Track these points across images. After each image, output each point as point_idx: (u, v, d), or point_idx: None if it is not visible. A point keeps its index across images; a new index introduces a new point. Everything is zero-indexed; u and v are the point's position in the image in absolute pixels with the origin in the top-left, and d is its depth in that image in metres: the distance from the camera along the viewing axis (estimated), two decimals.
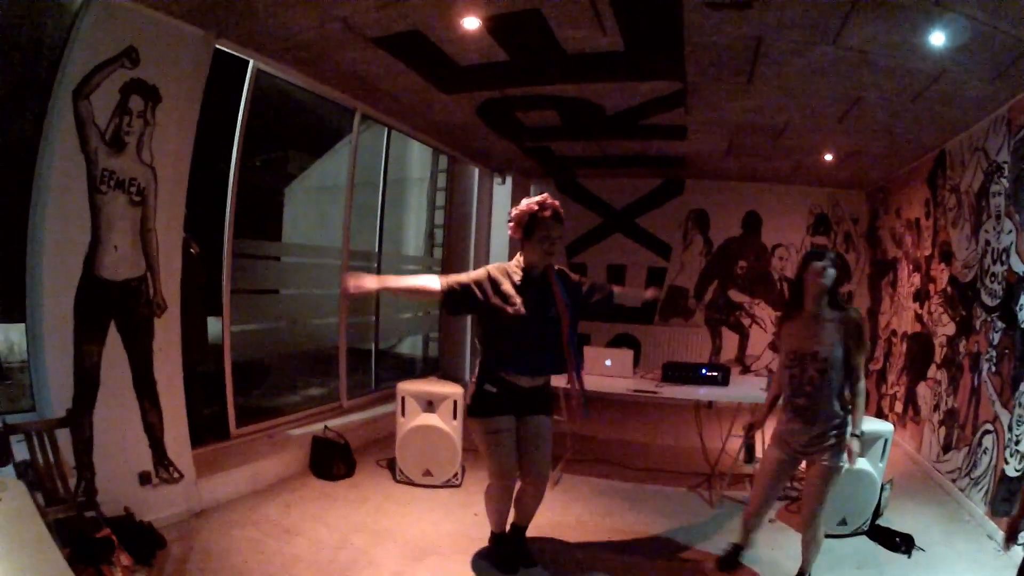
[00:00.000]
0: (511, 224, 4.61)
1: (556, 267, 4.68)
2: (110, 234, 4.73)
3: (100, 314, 4.75)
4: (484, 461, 4.74)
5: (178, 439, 5.40)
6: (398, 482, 6.70)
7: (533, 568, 4.93)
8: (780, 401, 4.77)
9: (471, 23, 5.29)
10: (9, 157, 5.08)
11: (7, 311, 4.79)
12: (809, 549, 4.66)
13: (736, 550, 5.11)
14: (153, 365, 5.15)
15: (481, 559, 4.95)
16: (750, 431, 5.17)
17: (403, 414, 6.66)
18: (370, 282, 4.47)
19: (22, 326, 4.73)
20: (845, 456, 4.33)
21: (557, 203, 4.53)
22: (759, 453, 5.18)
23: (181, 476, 5.38)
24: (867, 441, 5.35)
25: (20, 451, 4.12)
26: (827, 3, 4.65)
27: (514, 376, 4.55)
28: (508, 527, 5.01)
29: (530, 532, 5.22)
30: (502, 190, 11.53)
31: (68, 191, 4.49)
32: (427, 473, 6.57)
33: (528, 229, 4.50)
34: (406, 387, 6.70)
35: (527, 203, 4.54)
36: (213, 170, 6.40)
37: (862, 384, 4.34)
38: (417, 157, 10.87)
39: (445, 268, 10.98)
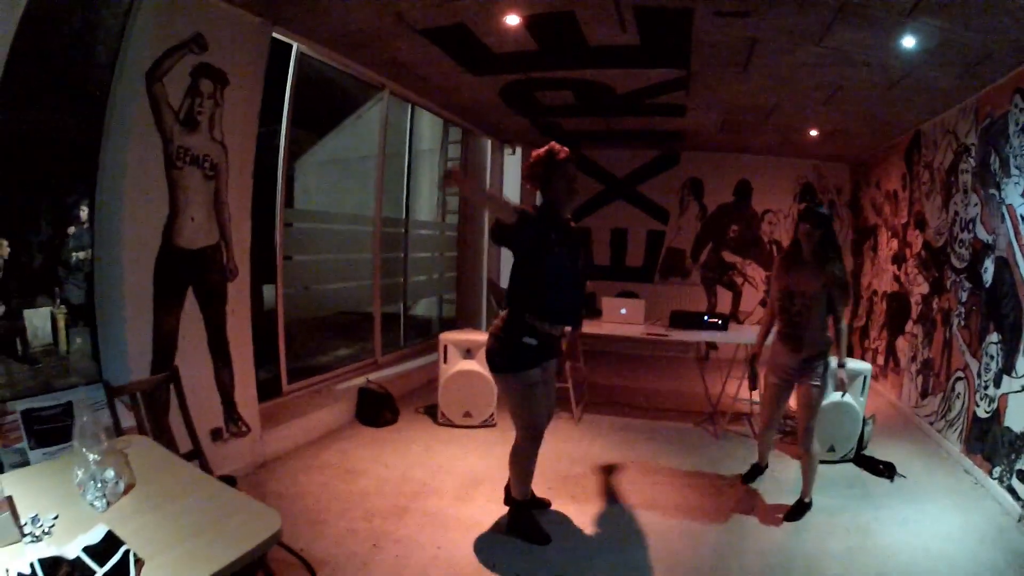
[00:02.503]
0: (528, 176, 4.49)
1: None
2: (187, 206, 4.84)
3: (179, 281, 4.86)
4: (516, 418, 4.58)
5: (247, 395, 5.55)
6: (440, 424, 7.03)
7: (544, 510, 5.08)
8: (772, 335, 5.32)
9: (512, 19, 5.51)
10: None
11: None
12: (809, 468, 5.14)
13: (755, 468, 5.83)
14: (226, 327, 5.29)
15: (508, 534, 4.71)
16: (752, 361, 5.48)
17: (445, 361, 6.97)
18: (471, 183, 4.50)
19: (46, 311, 4.81)
20: (828, 379, 4.93)
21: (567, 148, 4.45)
22: (761, 380, 5.48)
23: (249, 430, 5.55)
24: (849, 377, 5.68)
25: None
26: (813, 14, 5.00)
27: (549, 327, 4.40)
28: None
29: (561, 463, 5.77)
30: (512, 160, 11.67)
31: (145, 167, 4.55)
32: (467, 415, 6.86)
33: (547, 175, 4.40)
34: (448, 337, 6.99)
35: (539, 152, 4.45)
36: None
37: (844, 324, 4.90)
38: (428, 129, 10.95)
39: (459, 234, 11.15)
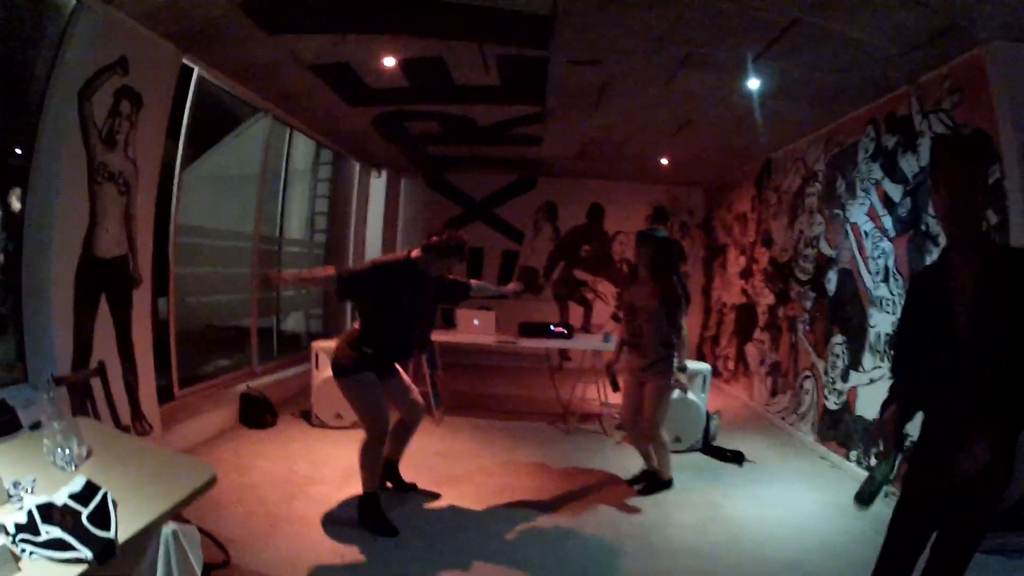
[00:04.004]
0: (436, 240, 4.97)
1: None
2: (103, 218, 5.17)
3: (95, 287, 5.18)
4: (362, 418, 5.05)
5: (149, 396, 5.87)
6: (314, 426, 7.51)
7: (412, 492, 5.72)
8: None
9: (389, 61, 6.23)
10: None
11: None
12: (659, 453, 5.96)
13: (645, 473, 6.18)
14: (131, 331, 5.61)
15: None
16: (609, 367, 6.18)
17: (317, 367, 7.47)
18: (287, 275, 5.22)
19: None
20: (671, 377, 5.61)
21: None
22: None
23: (151, 428, 5.87)
24: (690, 376, 6.78)
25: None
26: (659, 61, 5.80)
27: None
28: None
29: (426, 457, 6.50)
30: (378, 183, 12.28)
31: (73, 180, 4.87)
32: (338, 416, 7.36)
33: (448, 253, 5.00)
34: (320, 345, 7.51)
35: (457, 236, 5.06)
36: None
37: (683, 332, 5.59)
38: (302, 151, 11.26)
39: (328, 250, 11.56)
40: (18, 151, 5.10)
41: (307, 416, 7.71)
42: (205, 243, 8.18)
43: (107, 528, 2.31)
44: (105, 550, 2.22)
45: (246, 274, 8.64)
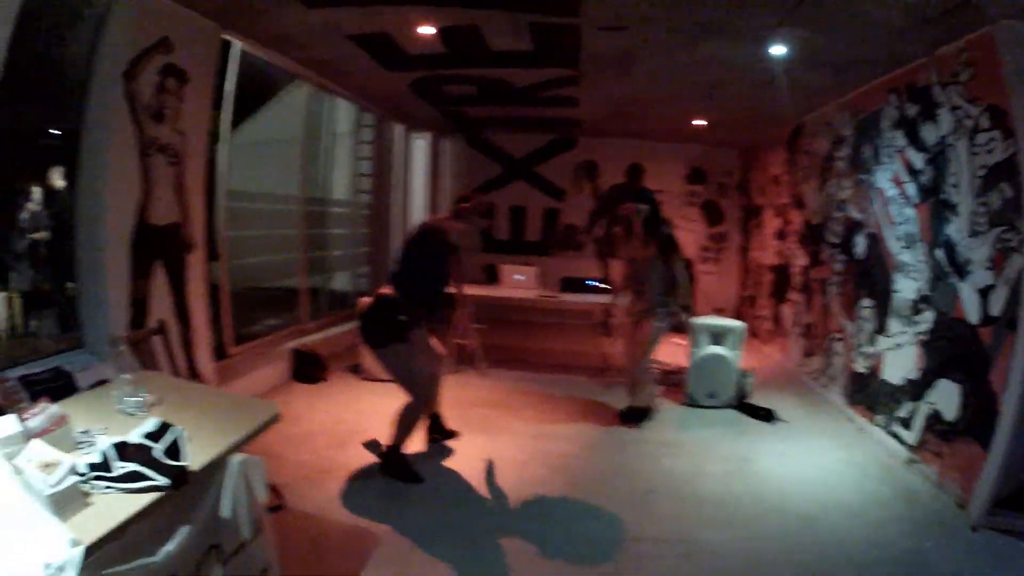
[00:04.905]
0: (466, 205, 5.45)
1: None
2: (155, 188, 5.48)
3: (150, 253, 5.50)
4: (405, 383, 5.28)
5: (204, 354, 6.22)
6: (363, 379, 7.90)
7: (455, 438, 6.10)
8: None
9: (427, 30, 6.38)
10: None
11: None
12: (642, 383, 6.64)
13: (632, 410, 6.77)
14: (187, 293, 5.96)
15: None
16: (606, 315, 7.07)
17: None
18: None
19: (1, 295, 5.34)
20: (666, 320, 6.39)
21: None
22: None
23: (208, 384, 6.19)
24: (723, 332, 7.14)
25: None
26: (682, 30, 5.87)
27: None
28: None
29: (470, 405, 6.94)
30: (420, 144, 12.44)
31: (123, 156, 5.16)
32: None
33: (481, 216, 5.48)
34: (367, 301, 7.60)
35: (485, 200, 5.56)
36: None
37: (681, 277, 6.42)
38: (344, 114, 11.43)
39: (372, 211, 11.84)
40: (55, 132, 5.46)
41: (356, 370, 8.11)
42: (252, 207, 8.50)
43: (180, 459, 2.61)
44: (179, 477, 2.52)
45: (293, 235, 8.98)
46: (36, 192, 5.97)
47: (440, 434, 6.01)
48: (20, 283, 5.78)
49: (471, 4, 5.75)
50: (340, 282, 11.61)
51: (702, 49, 6.36)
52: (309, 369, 7.85)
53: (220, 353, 7.01)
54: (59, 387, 4.21)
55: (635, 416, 6.45)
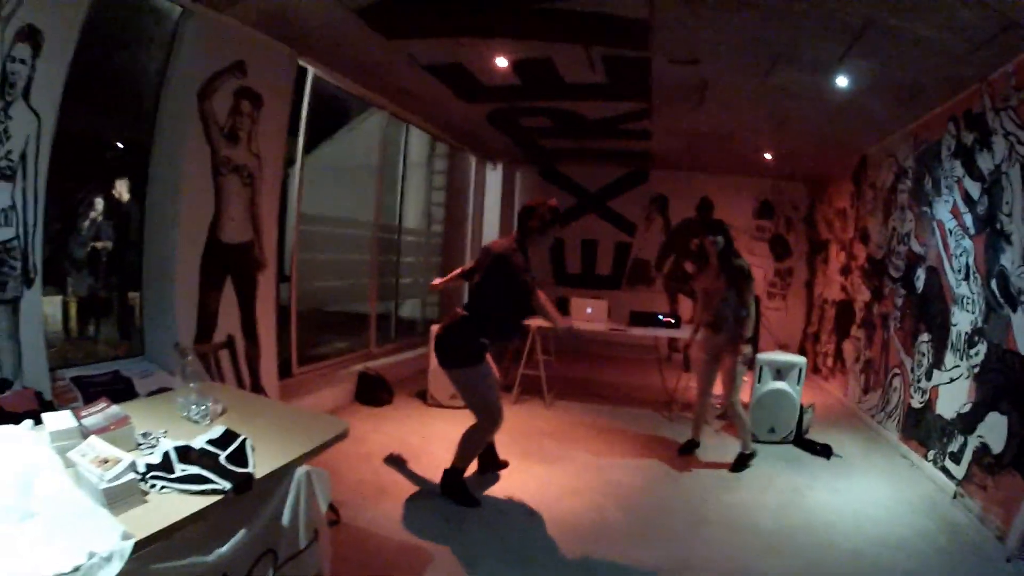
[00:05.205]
0: (533, 223, 5.08)
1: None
2: (228, 207, 5.62)
3: (221, 269, 5.62)
4: (478, 406, 5.20)
5: (270, 371, 6.30)
6: (429, 405, 7.89)
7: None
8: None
9: (502, 62, 6.51)
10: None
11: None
12: (739, 426, 6.42)
13: (690, 443, 6.76)
14: (255, 310, 6.06)
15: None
16: (685, 348, 6.78)
17: None
18: (439, 283, 5.67)
19: (58, 298, 5.42)
20: (743, 354, 6.11)
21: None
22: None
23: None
24: (787, 368, 7.05)
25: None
26: (753, 61, 5.93)
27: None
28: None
29: (532, 434, 6.91)
30: (494, 174, 12.56)
31: (196, 174, 5.30)
32: (454, 396, 7.45)
33: (550, 223, 5.10)
34: (445, 321, 7.69)
35: (548, 203, 5.15)
36: None
37: (748, 310, 6.04)
38: (415, 143, 11.58)
39: (445, 241, 11.99)
40: (119, 144, 5.63)
41: (422, 396, 8.11)
42: (323, 230, 8.65)
43: (244, 466, 2.65)
44: (243, 483, 2.55)
45: (364, 261, 9.08)
46: (98, 202, 6.13)
47: (492, 463, 5.95)
48: (77, 288, 5.88)
49: (545, 37, 5.86)
50: (408, 309, 11.74)
51: (772, 81, 6.34)
52: (374, 392, 7.88)
53: (285, 371, 7.13)
54: (118, 391, 4.43)
55: (742, 461, 6.35)
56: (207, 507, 2.41)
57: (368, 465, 5.82)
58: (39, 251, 4.15)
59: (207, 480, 2.51)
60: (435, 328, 6.18)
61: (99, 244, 6.04)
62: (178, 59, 5.22)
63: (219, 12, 5.24)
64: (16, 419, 2.81)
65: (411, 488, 5.40)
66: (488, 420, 5.21)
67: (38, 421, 2.75)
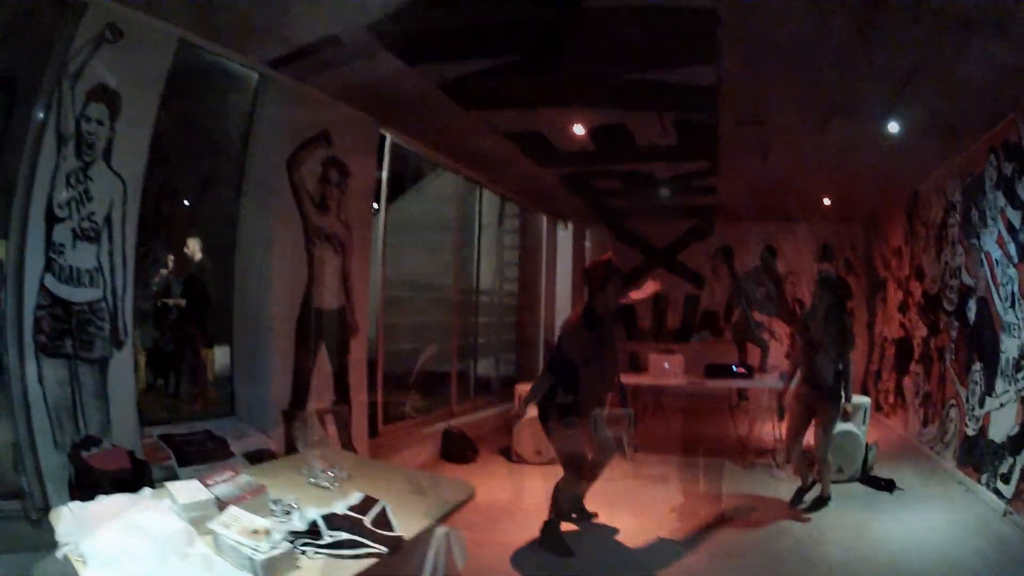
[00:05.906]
0: (594, 280, 5.25)
1: None
2: (321, 274, 5.83)
3: (315, 334, 5.80)
4: (563, 460, 5.33)
5: (360, 431, 6.45)
6: (513, 462, 7.91)
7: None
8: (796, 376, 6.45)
9: (579, 129, 6.72)
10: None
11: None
12: (824, 473, 6.34)
13: (799, 491, 6.56)
14: (348, 373, 6.23)
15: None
16: (781, 398, 6.71)
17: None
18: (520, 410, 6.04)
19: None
20: (838, 408, 6.07)
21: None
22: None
23: None
24: (853, 409, 6.86)
25: None
26: (810, 116, 6.18)
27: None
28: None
29: (619, 486, 6.95)
30: (565, 234, 12.72)
31: (288, 240, 5.50)
32: (538, 452, 7.64)
33: (605, 280, 5.17)
34: (523, 388, 7.91)
35: (600, 261, 5.30)
36: None
37: (848, 366, 6.08)
38: (486, 204, 11.75)
39: (519, 300, 12.17)
40: (186, 202, 5.90)
41: (506, 453, 8.13)
42: (405, 295, 8.87)
43: (390, 530, 2.80)
44: (395, 545, 2.69)
45: (443, 323, 9.30)
46: (170, 258, 6.36)
47: (580, 514, 6.00)
48: (144, 342, 5.99)
49: (620, 106, 6.06)
50: (484, 367, 11.88)
51: (831, 131, 6.49)
52: (459, 449, 7.97)
53: (371, 430, 7.22)
54: (210, 451, 4.49)
55: (819, 504, 6.39)
56: (360, 572, 2.52)
57: (461, 520, 5.85)
58: (130, 313, 4.25)
59: (361, 544, 2.63)
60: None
61: (171, 300, 6.27)
62: (260, 125, 5.40)
63: (300, 81, 5.47)
64: (108, 477, 2.92)
65: (506, 542, 5.47)
66: (571, 476, 5.33)
67: (134, 481, 2.83)
